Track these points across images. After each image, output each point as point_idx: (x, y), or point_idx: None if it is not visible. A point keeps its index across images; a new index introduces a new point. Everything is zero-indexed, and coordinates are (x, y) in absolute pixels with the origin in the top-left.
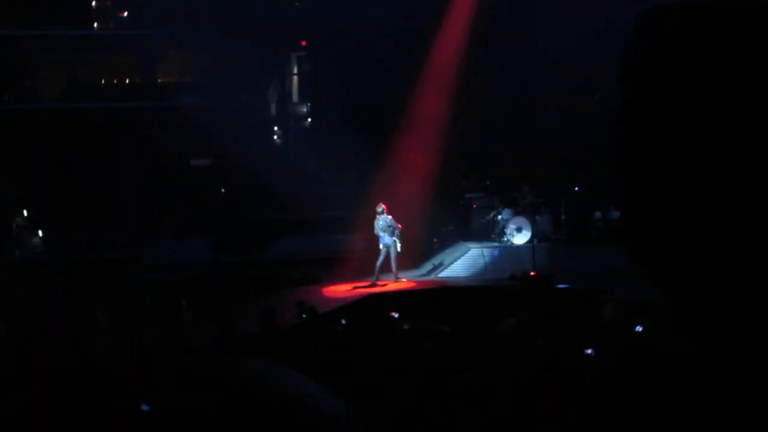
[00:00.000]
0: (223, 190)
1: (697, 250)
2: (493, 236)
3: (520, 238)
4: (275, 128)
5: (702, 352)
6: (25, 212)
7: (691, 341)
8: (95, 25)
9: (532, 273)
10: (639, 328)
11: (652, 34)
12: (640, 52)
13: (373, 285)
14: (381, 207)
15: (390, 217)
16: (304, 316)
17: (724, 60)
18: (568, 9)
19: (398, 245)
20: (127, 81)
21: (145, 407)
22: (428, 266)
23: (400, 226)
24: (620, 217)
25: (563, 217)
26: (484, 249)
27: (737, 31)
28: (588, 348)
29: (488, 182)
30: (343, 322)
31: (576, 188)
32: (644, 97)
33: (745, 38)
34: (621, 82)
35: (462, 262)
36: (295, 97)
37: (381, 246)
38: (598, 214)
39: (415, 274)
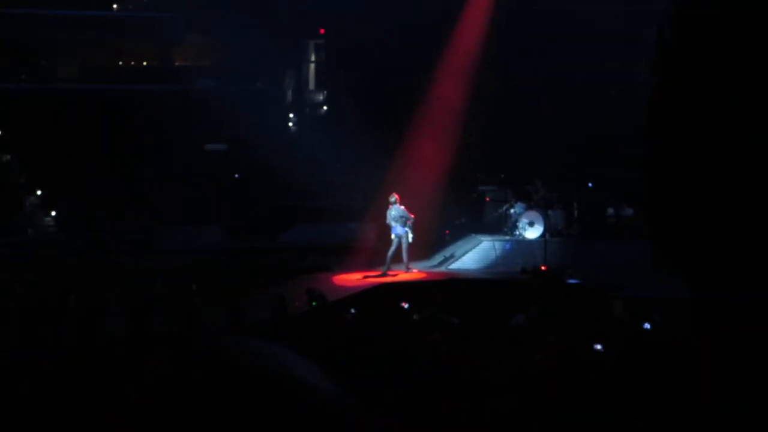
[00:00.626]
0: (236, 177)
1: (727, 242)
2: (505, 229)
3: (532, 233)
4: (291, 116)
5: (718, 348)
6: (38, 192)
7: (709, 337)
8: (114, 7)
9: (543, 267)
10: (647, 325)
11: (683, 26)
12: (670, 43)
13: (384, 275)
14: (394, 197)
15: (402, 207)
16: (314, 303)
17: (753, 52)
18: (587, 5)
19: (410, 236)
20: (144, 64)
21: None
22: (439, 258)
23: (412, 216)
24: (645, 213)
25: (576, 212)
26: (495, 242)
27: (764, 24)
28: (597, 344)
29: (502, 175)
30: (353, 310)
31: (589, 184)
32: (675, 86)
33: None
34: (652, 72)
35: (473, 255)
36: (311, 85)
37: (393, 236)
38: (610, 210)
39: (426, 265)
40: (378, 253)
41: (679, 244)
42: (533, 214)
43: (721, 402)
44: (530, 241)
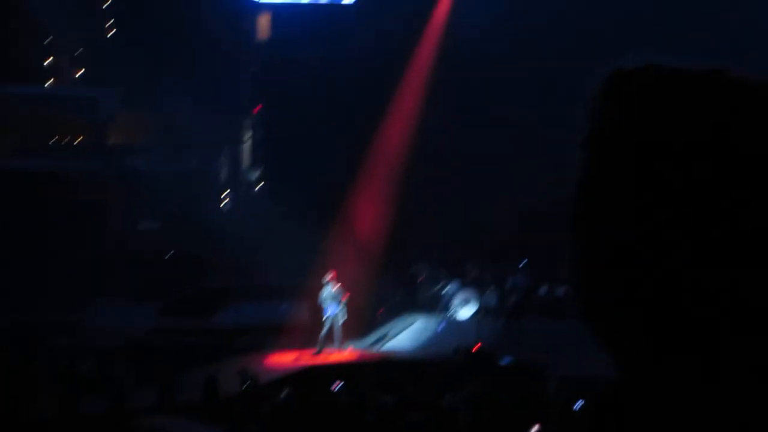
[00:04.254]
0: (169, 255)
1: (661, 319)
2: (438, 309)
3: (466, 312)
4: (225, 194)
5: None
6: None
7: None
8: (47, 84)
9: (476, 346)
10: (579, 404)
11: (617, 97)
12: (604, 115)
13: (317, 355)
14: (329, 276)
15: (337, 286)
16: (246, 384)
17: (688, 125)
18: (527, 73)
19: (343, 315)
20: (78, 141)
21: None
22: (373, 337)
23: (346, 296)
24: (577, 289)
25: (508, 291)
26: (429, 321)
27: (700, 97)
28: (533, 424)
29: (435, 255)
30: (286, 392)
31: (521, 263)
32: (608, 160)
33: (708, 105)
34: (584, 146)
35: (407, 335)
36: (245, 163)
37: (326, 315)
38: (543, 289)
39: (359, 344)
40: (312, 332)
41: (616, 321)
42: (466, 294)
43: None
44: (464, 321)
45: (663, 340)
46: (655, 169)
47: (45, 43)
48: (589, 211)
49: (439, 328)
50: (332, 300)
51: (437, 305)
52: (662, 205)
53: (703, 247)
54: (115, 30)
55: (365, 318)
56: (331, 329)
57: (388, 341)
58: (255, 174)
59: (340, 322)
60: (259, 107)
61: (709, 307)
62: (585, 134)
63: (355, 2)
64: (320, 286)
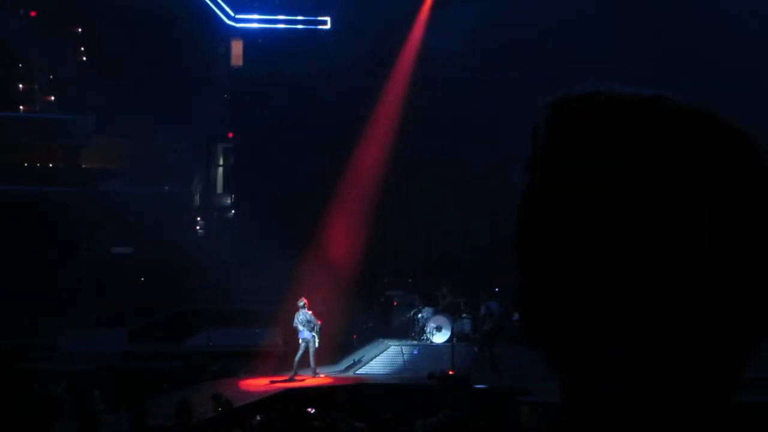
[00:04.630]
0: (142, 280)
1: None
2: (412, 334)
3: (440, 337)
4: (198, 219)
5: None
6: None
7: None
8: (21, 108)
9: (450, 372)
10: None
11: (560, 124)
12: (545, 141)
13: (291, 380)
14: (302, 301)
15: (310, 312)
16: (219, 409)
17: (632, 155)
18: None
19: (317, 340)
20: (51, 165)
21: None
22: (347, 362)
23: (319, 322)
24: (521, 316)
25: (482, 316)
26: (403, 347)
27: (644, 126)
28: None
29: (409, 280)
30: (259, 417)
31: (496, 289)
32: (550, 186)
33: (648, 132)
34: (527, 171)
35: (381, 360)
36: (219, 189)
37: (300, 340)
38: (516, 315)
39: (333, 370)
40: (285, 357)
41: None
42: (440, 319)
43: None
44: (438, 346)
45: (605, 366)
46: (596, 196)
47: (17, 68)
48: (529, 236)
49: (414, 354)
50: (306, 325)
51: (411, 330)
52: (603, 231)
53: (644, 275)
54: (88, 56)
55: (339, 343)
56: (305, 354)
57: (362, 366)
58: (229, 198)
59: (314, 347)
60: (232, 132)
61: (650, 334)
62: (527, 159)
63: (331, 27)
64: (294, 311)
